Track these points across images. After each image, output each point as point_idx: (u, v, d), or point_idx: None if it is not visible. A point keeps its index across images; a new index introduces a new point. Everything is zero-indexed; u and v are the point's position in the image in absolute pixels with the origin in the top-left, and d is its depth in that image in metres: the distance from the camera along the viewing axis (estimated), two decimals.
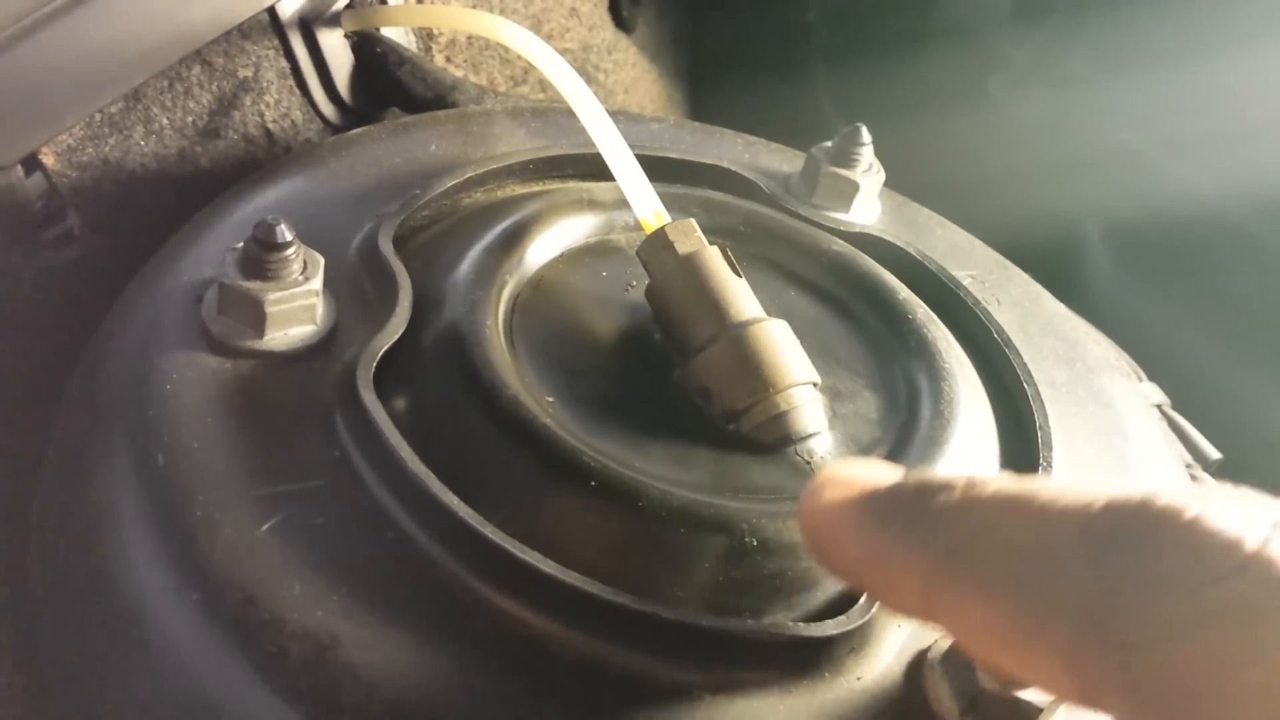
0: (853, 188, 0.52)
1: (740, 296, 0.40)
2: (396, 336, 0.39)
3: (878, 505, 0.27)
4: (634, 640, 0.32)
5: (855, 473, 0.28)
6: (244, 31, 0.57)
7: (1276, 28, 0.78)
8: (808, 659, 0.34)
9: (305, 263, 0.39)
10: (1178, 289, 0.83)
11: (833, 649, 0.34)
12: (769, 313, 0.40)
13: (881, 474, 0.28)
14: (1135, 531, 0.22)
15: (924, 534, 0.25)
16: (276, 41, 0.59)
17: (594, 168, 0.48)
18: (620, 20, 0.90)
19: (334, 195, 0.47)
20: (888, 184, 0.54)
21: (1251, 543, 0.21)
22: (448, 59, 0.71)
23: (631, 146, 0.45)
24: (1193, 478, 0.50)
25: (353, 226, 0.44)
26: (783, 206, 0.52)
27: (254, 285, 0.38)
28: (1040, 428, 0.43)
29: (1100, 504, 0.23)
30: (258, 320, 0.38)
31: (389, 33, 0.62)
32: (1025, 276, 0.55)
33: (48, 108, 0.47)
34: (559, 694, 0.32)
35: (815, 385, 0.39)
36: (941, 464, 0.39)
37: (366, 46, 0.62)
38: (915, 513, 0.26)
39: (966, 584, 0.24)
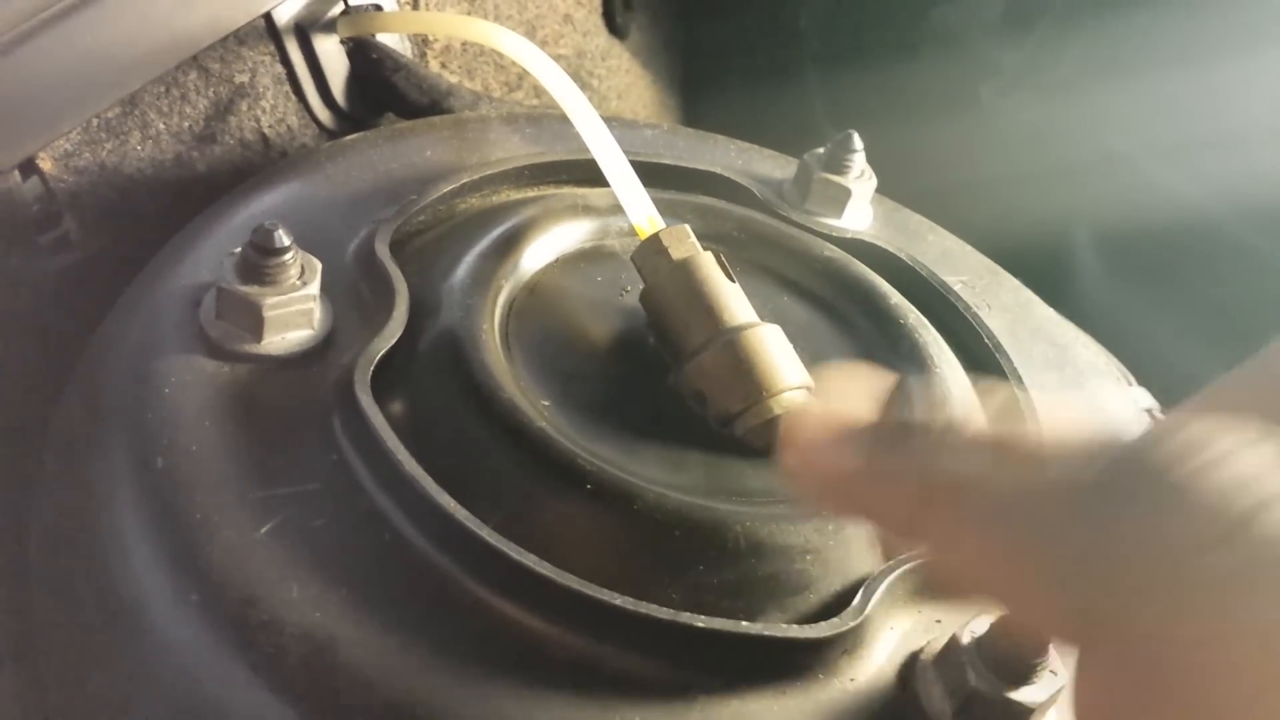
0: (845, 194, 0.53)
1: (734, 301, 0.40)
2: (393, 341, 0.39)
3: (863, 436, 0.27)
4: (629, 641, 0.33)
5: (835, 411, 0.28)
6: (240, 37, 0.57)
7: (1265, 35, 0.78)
8: (801, 660, 0.34)
9: (303, 268, 0.39)
10: (1167, 293, 0.83)
11: (826, 650, 0.34)
12: (762, 317, 0.40)
13: (860, 412, 0.28)
14: (1128, 484, 0.20)
15: (911, 464, 0.25)
16: (272, 47, 0.59)
17: (589, 173, 0.48)
18: (614, 27, 0.91)
19: (331, 200, 0.47)
20: (879, 190, 0.55)
21: (1243, 507, 0.18)
22: (443, 65, 0.72)
23: (625, 152, 0.45)
24: None
25: (349, 232, 0.45)
26: (776, 212, 0.52)
27: (252, 290, 0.38)
28: None
29: (1094, 450, 0.21)
30: (255, 325, 0.38)
31: (384, 39, 0.62)
32: (1015, 282, 0.56)
33: (45, 113, 0.47)
34: (554, 694, 0.32)
35: (808, 390, 0.40)
36: None
37: (362, 52, 0.62)
38: (902, 446, 0.25)
39: (948, 517, 0.23)
